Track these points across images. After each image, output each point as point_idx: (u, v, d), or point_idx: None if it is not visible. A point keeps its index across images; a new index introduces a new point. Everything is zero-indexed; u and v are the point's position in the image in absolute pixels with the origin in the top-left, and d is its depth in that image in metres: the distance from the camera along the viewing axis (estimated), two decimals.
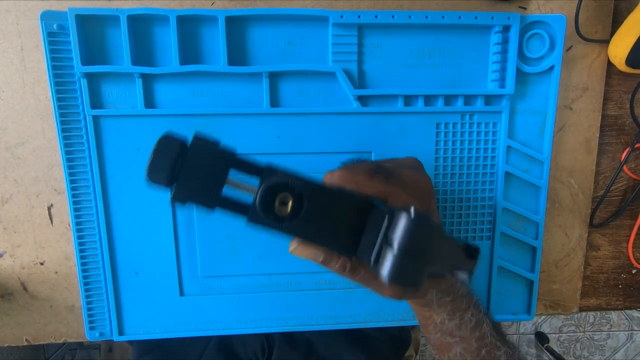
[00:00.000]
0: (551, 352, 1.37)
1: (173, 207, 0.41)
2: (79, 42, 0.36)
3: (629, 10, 0.42)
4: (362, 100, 0.41)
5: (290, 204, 0.24)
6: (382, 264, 0.23)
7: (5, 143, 0.40)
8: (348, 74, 0.40)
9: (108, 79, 0.38)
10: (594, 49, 0.43)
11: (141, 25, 0.38)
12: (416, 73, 0.41)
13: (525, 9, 0.42)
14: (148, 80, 0.39)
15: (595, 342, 1.52)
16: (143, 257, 0.42)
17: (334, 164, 0.41)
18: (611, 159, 0.46)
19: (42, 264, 0.43)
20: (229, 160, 0.24)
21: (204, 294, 0.44)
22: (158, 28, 0.38)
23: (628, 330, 1.52)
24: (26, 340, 0.45)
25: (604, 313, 1.49)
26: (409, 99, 0.41)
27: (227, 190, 0.24)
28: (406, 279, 0.23)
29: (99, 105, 0.39)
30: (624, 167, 0.46)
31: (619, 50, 0.41)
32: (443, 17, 0.39)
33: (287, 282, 0.44)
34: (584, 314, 1.48)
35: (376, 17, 0.38)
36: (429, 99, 0.41)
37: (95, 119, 0.39)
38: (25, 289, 0.43)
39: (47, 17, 0.36)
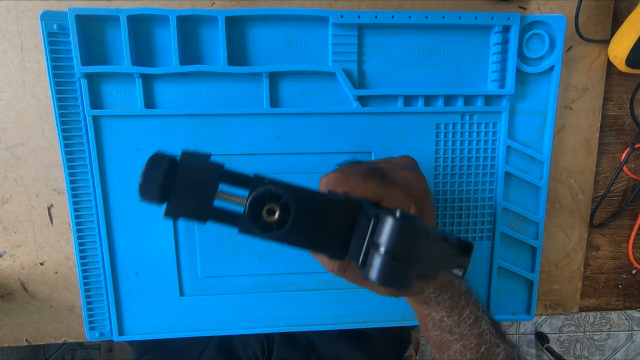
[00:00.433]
0: (551, 352, 1.37)
1: None
2: (79, 42, 0.37)
3: (629, 10, 0.42)
4: (362, 100, 0.41)
5: (277, 213, 0.24)
6: (370, 267, 0.24)
7: (5, 143, 0.40)
8: (348, 74, 0.40)
9: (108, 79, 0.38)
10: (594, 49, 0.43)
11: (141, 25, 0.38)
12: (416, 73, 0.41)
13: (525, 9, 0.42)
14: (148, 81, 0.39)
15: (595, 342, 1.52)
16: (143, 257, 0.42)
17: (333, 164, 0.41)
18: (611, 159, 0.46)
19: (42, 264, 0.43)
20: (218, 173, 0.24)
21: (203, 294, 0.44)
22: (158, 28, 0.38)
23: (628, 330, 1.52)
24: (26, 340, 0.45)
25: (604, 313, 1.49)
26: (409, 99, 0.41)
27: (219, 202, 0.24)
28: (395, 281, 0.23)
29: (99, 105, 0.39)
30: (624, 167, 0.46)
31: (619, 50, 0.41)
32: (443, 17, 0.39)
33: (287, 282, 0.44)
34: (584, 314, 1.48)
35: (376, 17, 0.38)
36: (429, 99, 0.41)
37: (95, 119, 0.39)
38: (25, 289, 0.43)
39: (47, 17, 0.36)
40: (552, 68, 0.42)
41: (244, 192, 0.24)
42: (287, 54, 0.40)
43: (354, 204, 0.25)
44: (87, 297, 0.42)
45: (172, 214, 0.24)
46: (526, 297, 0.47)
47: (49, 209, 0.42)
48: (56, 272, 0.43)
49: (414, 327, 0.66)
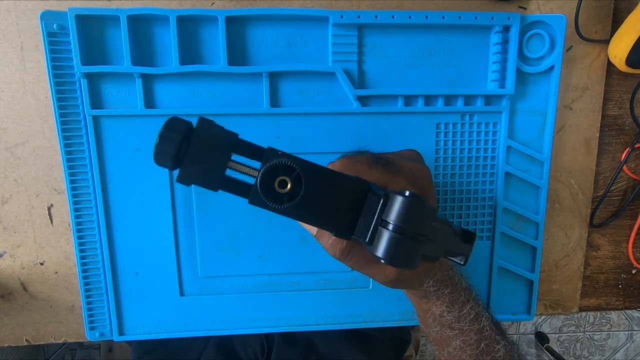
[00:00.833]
0: (551, 352, 1.37)
1: (173, 208, 0.41)
2: (79, 42, 0.37)
3: (629, 10, 0.42)
4: (362, 100, 0.41)
5: (289, 185, 0.24)
6: (378, 243, 0.24)
7: (5, 143, 0.40)
8: (348, 74, 0.40)
9: (108, 79, 0.38)
10: (594, 49, 0.43)
11: (141, 25, 0.38)
12: (416, 73, 0.41)
13: (525, 9, 0.42)
14: (148, 80, 0.39)
15: (595, 342, 1.52)
16: (143, 257, 0.42)
17: None
18: (611, 159, 0.46)
19: (42, 264, 0.43)
20: (232, 142, 0.24)
21: (204, 294, 0.44)
22: (158, 28, 0.38)
23: (628, 330, 1.52)
24: (26, 340, 0.45)
25: (604, 313, 1.49)
26: (409, 99, 0.41)
27: (230, 173, 0.24)
28: (401, 258, 0.24)
29: (99, 105, 0.39)
30: (624, 167, 0.46)
31: (619, 50, 0.41)
32: (443, 17, 0.39)
33: (287, 282, 0.44)
34: (584, 314, 1.48)
35: (376, 17, 0.38)
36: (429, 99, 0.41)
37: (95, 119, 0.39)
38: (25, 289, 0.43)
39: (47, 17, 0.36)
40: (552, 68, 0.42)
41: (256, 165, 0.25)
42: (287, 54, 0.40)
43: (363, 183, 0.26)
44: (87, 297, 0.42)
45: (184, 180, 0.24)
46: (526, 297, 0.47)
47: (49, 209, 0.42)
48: (56, 272, 0.43)
49: (414, 327, 0.66)
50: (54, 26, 0.37)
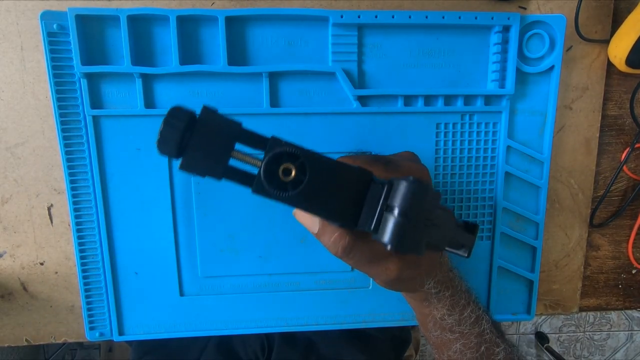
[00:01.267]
0: (551, 352, 1.37)
1: (173, 208, 0.41)
2: (79, 42, 0.37)
3: (629, 10, 0.42)
4: (362, 100, 0.41)
5: (293, 173, 0.24)
6: (383, 230, 0.24)
7: (5, 143, 0.40)
8: (348, 74, 0.40)
9: (108, 79, 0.38)
10: (594, 49, 0.43)
11: (141, 25, 0.38)
12: (416, 73, 0.41)
13: (525, 9, 0.42)
14: (148, 80, 0.39)
15: (595, 342, 1.52)
16: (143, 257, 0.42)
17: None
18: (611, 159, 0.46)
19: (42, 264, 0.43)
20: (236, 131, 0.24)
21: (203, 294, 0.44)
22: (158, 28, 0.38)
23: (628, 330, 1.52)
24: (26, 340, 0.45)
25: (604, 313, 1.49)
26: (409, 99, 0.41)
27: (234, 162, 0.24)
28: (407, 243, 0.24)
29: (99, 105, 0.39)
30: (624, 167, 0.46)
31: (619, 50, 0.41)
32: (443, 17, 0.39)
33: (287, 282, 0.44)
34: (584, 314, 1.48)
35: (376, 17, 0.38)
36: (429, 99, 0.41)
37: (95, 119, 0.39)
38: (25, 289, 0.43)
39: (47, 17, 0.36)
40: (552, 68, 0.42)
41: (260, 155, 0.24)
42: (287, 54, 0.40)
43: (365, 173, 0.26)
44: (87, 297, 0.42)
45: (188, 168, 0.24)
46: (526, 297, 0.47)
47: (49, 209, 0.42)
48: (56, 272, 0.43)
49: (414, 327, 0.66)
50: (54, 26, 0.37)
